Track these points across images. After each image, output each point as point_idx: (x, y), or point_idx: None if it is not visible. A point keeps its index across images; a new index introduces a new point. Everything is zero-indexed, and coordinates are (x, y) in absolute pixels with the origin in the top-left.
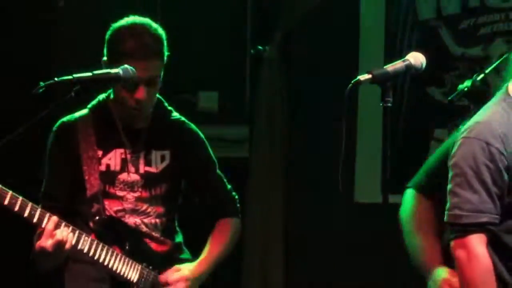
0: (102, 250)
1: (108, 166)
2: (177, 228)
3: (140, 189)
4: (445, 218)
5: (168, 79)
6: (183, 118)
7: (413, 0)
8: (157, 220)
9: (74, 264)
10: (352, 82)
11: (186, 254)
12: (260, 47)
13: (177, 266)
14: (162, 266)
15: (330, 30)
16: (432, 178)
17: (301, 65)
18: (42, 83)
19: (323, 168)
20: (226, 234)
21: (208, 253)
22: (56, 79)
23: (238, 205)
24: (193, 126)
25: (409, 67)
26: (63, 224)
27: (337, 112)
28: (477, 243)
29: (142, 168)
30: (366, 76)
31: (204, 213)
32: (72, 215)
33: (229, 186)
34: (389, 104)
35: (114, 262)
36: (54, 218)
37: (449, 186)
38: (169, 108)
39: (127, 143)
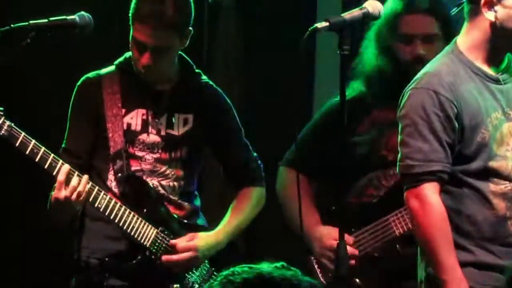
0: (119, 210)
1: (129, 125)
2: (196, 192)
3: (160, 151)
4: (397, 169)
5: None
6: (211, 82)
7: None
8: (175, 183)
9: (91, 222)
10: (310, 29)
11: (201, 220)
12: None
13: (191, 234)
14: (178, 230)
15: None
16: (303, 152)
17: (258, 14)
18: None
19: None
20: (247, 204)
21: (226, 223)
22: (12, 25)
23: (263, 173)
24: (219, 91)
25: (367, 15)
26: (75, 174)
27: (294, 61)
28: (430, 191)
29: (163, 130)
30: (323, 24)
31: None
32: (91, 173)
33: (254, 154)
34: (346, 52)
35: (130, 224)
36: (66, 167)
37: (399, 137)
38: (197, 71)
39: (150, 104)
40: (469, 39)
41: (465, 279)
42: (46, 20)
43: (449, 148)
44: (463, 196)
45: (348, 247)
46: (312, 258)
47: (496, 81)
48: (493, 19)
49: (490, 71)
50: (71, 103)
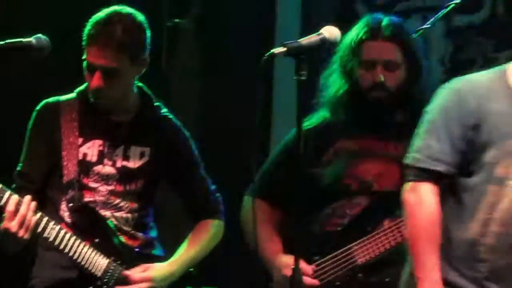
0: (69, 240)
1: (85, 155)
2: (151, 224)
3: (114, 183)
4: (405, 159)
5: None
6: (170, 116)
7: None
8: (129, 215)
9: (44, 251)
10: (267, 55)
11: (157, 250)
12: (177, 20)
13: (145, 265)
14: (131, 261)
15: (248, 4)
16: (267, 181)
17: (217, 38)
18: None
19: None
20: (204, 236)
21: (182, 254)
22: None
23: (222, 206)
24: (179, 124)
25: (324, 41)
26: (25, 204)
27: (252, 85)
28: (428, 190)
29: (120, 163)
30: (281, 49)
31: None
32: (43, 201)
33: (213, 187)
34: (303, 77)
35: (80, 254)
36: (14, 197)
37: (418, 129)
38: (157, 103)
39: (107, 135)
40: None
41: (440, 283)
42: (2, 42)
43: (460, 155)
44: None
45: (308, 278)
46: (272, 286)
47: None
48: None
49: None
50: (29, 126)
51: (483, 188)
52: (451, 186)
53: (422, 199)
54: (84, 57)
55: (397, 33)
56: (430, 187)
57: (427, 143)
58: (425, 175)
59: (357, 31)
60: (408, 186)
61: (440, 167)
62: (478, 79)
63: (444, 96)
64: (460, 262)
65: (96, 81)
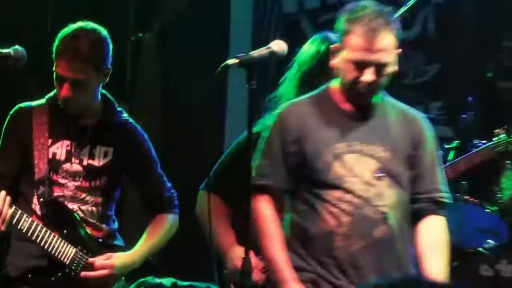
0: (40, 231)
1: (54, 154)
2: (114, 217)
3: (81, 179)
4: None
5: None
6: (130, 120)
7: None
8: (94, 208)
9: (17, 241)
10: (221, 66)
11: (119, 241)
12: (140, 34)
13: (108, 254)
14: (95, 250)
15: (204, 20)
16: (220, 177)
17: (176, 51)
18: None
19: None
20: (161, 229)
21: (141, 245)
22: None
23: (176, 202)
24: (138, 127)
25: (272, 53)
26: (1, 199)
27: (209, 92)
28: (260, 200)
29: (86, 161)
30: (234, 61)
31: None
32: (16, 196)
33: (168, 184)
34: (253, 87)
35: (50, 244)
36: None
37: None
38: (119, 109)
39: (74, 136)
40: (335, 83)
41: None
42: None
43: (289, 168)
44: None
45: (257, 273)
46: (227, 273)
47: (352, 117)
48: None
49: (349, 108)
50: (3, 128)
51: (324, 188)
52: (302, 194)
53: (257, 208)
54: (54, 69)
55: None
56: (262, 197)
57: (259, 162)
58: (260, 189)
59: (319, 47)
60: (252, 198)
61: (269, 181)
62: (300, 101)
63: (272, 120)
64: (319, 253)
65: (65, 91)
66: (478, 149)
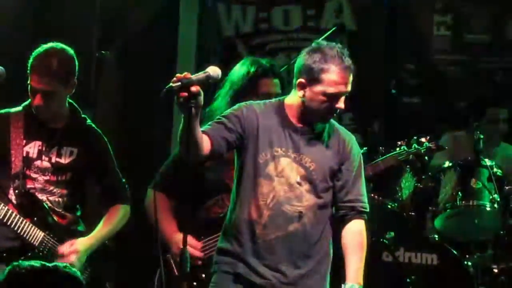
0: (14, 218)
1: (28, 153)
2: (77, 206)
3: (50, 174)
4: None
5: None
6: (93, 125)
7: (218, 21)
8: (60, 199)
9: None
10: (166, 87)
11: (81, 227)
12: (103, 52)
13: (72, 241)
14: (61, 235)
15: (157, 43)
16: (165, 177)
17: (133, 67)
18: None
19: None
20: (115, 218)
21: (98, 231)
22: None
23: (129, 195)
24: (100, 132)
25: (209, 77)
26: None
27: (158, 105)
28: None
29: (54, 159)
30: (177, 84)
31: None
32: None
33: (123, 180)
34: (193, 105)
35: (22, 228)
36: None
37: None
38: (83, 116)
39: (45, 138)
40: (290, 100)
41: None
42: None
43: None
44: None
45: (196, 251)
46: (169, 256)
47: (296, 131)
48: (302, 96)
49: (296, 122)
50: None
51: (256, 181)
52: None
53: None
54: (28, 81)
55: (278, 71)
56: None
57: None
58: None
59: (248, 68)
60: None
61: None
62: (257, 103)
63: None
64: (240, 236)
65: (37, 100)
66: (383, 157)
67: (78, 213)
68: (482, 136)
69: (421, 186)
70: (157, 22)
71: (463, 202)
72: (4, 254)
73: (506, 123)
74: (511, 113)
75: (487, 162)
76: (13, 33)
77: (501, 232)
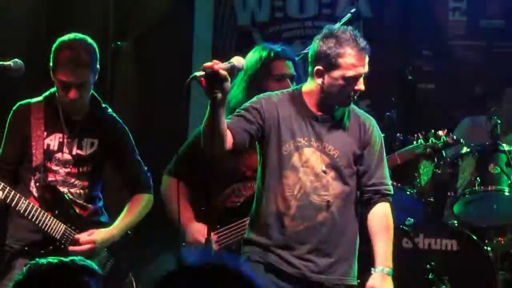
0: (36, 211)
1: (48, 145)
2: (100, 196)
3: (71, 166)
4: None
5: None
6: (114, 115)
7: (234, 10)
8: (81, 191)
9: (17, 218)
10: (191, 77)
11: (104, 217)
12: (119, 43)
13: (91, 230)
14: (83, 227)
15: (172, 33)
16: (180, 164)
17: (149, 58)
18: None
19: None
20: (138, 207)
21: (120, 221)
22: None
23: (152, 183)
24: (120, 121)
25: (233, 67)
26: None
27: (176, 96)
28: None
29: (75, 151)
30: (201, 72)
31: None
32: (18, 180)
33: (145, 168)
34: (218, 94)
35: (44, 222)
36: None
37: None
38: (104, 105)
39: (66, 130)
40: (308, 88)
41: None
42: None
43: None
44: None
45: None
46: (185, 245)
47: (316, 119)
48: (321, 84)
49: (315, 111)
50: (7, 123)
51: (282, 173)
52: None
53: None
54: (56, 76)
55: (291, 54)
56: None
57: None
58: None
59: (261, 53)
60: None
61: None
62: (276, 94)
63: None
64: (268, 228)
65: (73, 94)
66: (400, 150)
67: (100, 203)
68: (499, 121)
69: (439, 172)
70: (173, 12)
71: (482, 187)
72: (26, 248)
73: None
74: None
75: (505, 147)
76: (28, 24)
77: None
